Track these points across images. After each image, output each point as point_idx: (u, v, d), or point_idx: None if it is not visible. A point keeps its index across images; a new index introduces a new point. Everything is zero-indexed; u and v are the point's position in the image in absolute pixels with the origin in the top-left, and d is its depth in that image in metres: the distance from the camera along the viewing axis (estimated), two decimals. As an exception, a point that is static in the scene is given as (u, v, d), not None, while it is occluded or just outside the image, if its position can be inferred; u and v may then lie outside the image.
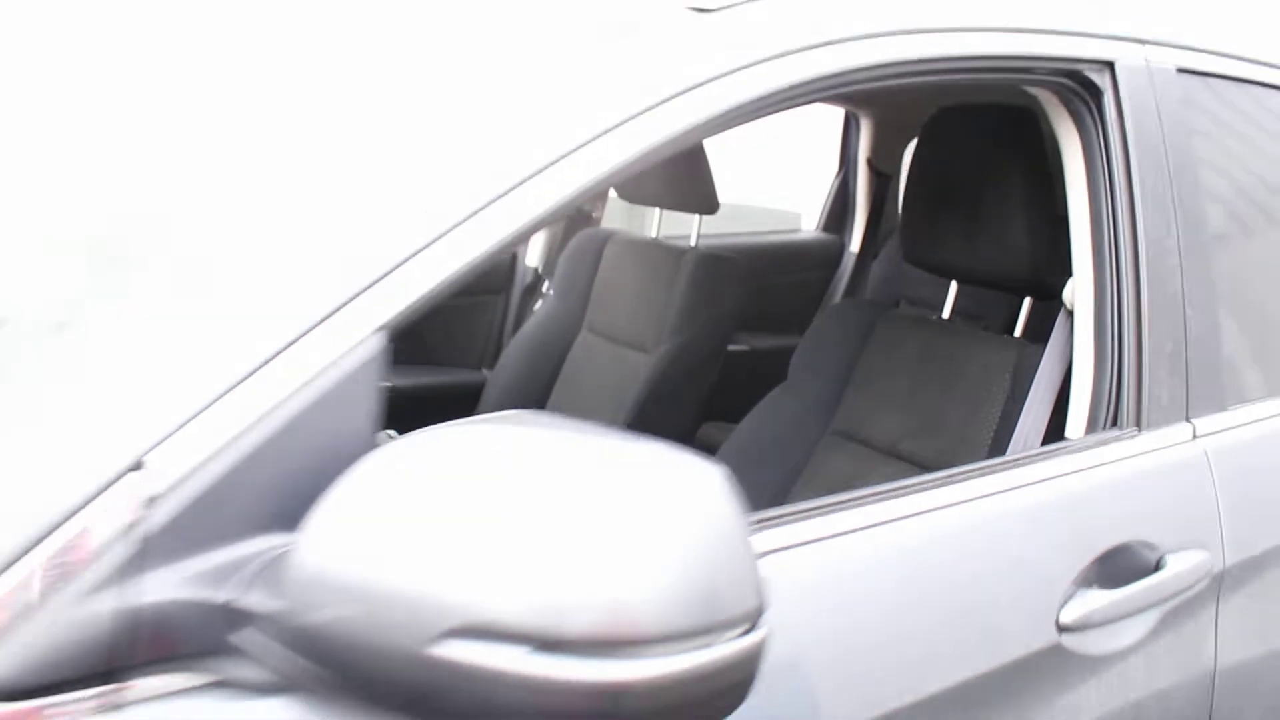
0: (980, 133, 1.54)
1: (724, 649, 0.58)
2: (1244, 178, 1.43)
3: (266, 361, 0.70)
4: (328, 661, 0.63)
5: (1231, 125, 1.41)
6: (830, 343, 1.74)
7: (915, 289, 2.51)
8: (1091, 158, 1.27)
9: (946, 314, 1.73)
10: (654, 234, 2.46)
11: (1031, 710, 1.04)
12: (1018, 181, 1.48)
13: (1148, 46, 1.28)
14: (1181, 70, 1.32)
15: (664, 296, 2.13)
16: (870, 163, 2.86)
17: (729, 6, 0.99)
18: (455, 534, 0.59)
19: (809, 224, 2.95)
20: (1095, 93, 1.25)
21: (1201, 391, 1.26)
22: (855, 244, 2.88)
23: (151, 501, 0.66)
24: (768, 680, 0.65)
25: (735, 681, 0.60)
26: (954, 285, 1.70)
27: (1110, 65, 1.25)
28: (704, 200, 2.26)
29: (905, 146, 2.63)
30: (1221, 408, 1.28)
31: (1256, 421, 1.31)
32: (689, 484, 0.59)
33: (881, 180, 2.86)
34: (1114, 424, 1.20)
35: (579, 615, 0.56)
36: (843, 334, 1.73)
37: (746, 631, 0.60)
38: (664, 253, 2.22)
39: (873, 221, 2.87)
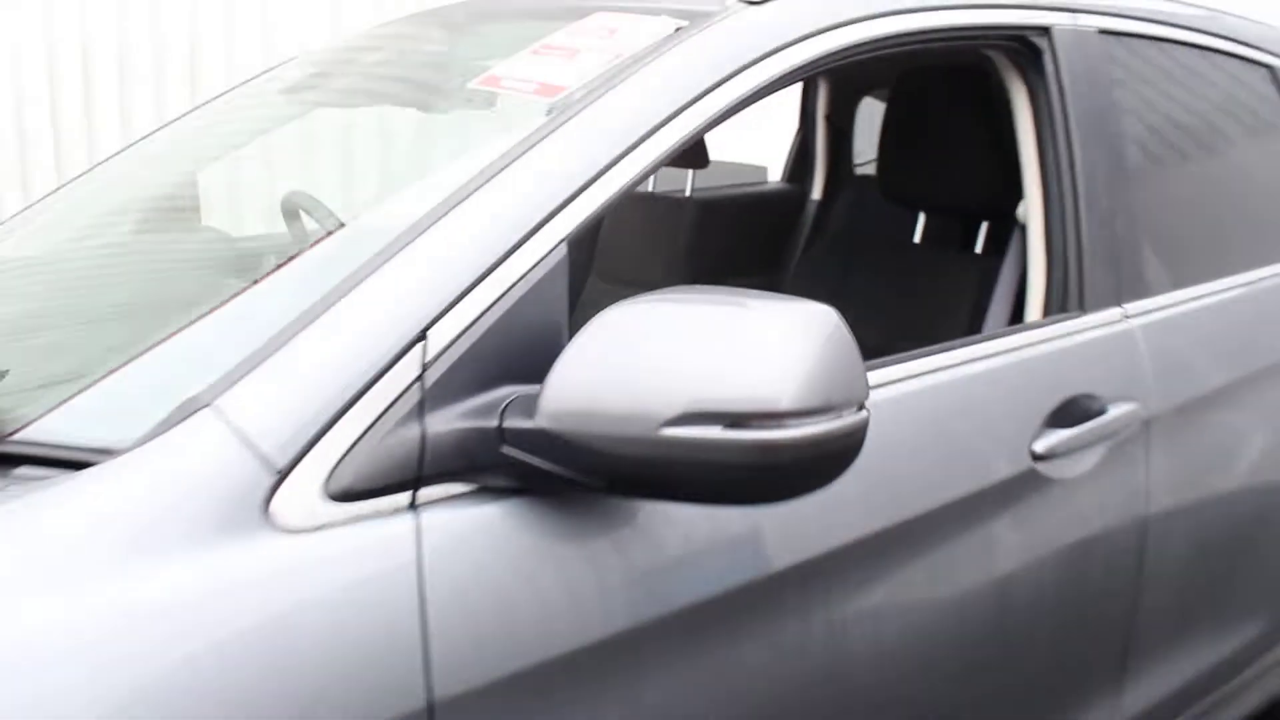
0: (943, 90, 1.89)
1: (843, 420, 0.92)
2: (1153, 116, 1.80)
3: (500, 262, 1.01)
4: (575, 460, 0.95)
5: (1142, 74, 1.78)
6: (820, 268, 2.08)
7: (875, 226, 2.87)
8: (1036, 104, 1.62)
9: (918, 240, 2.09)
10: (650, 188, 2.78)
11: (1017, 519, 1.40)
12: (975, 127, 1.84)
13: (1077, 14, 1.64)
14: (1103, 31, 1.67)
15: (669, 241, 2.45)
16: (829, 119, 3.17)
17: (765, 3, 1.31)
18: (667, 357, 0.91)
19: (774, 176, 3.28)
20: (1036, 53, 1.60)
21: (1129, 283, 1.63)
22: (817, 192, 3.21)
23: (431, 362, 0.98)
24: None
25: (850, 445, 0.93)
26: (922, 216, 2.05)
27: (1048, 30, 1.60)
28: (697, 157, 2.58)
29: (858, 103, 2.97)
30: (1144, 295, 1.65)
31: (1170, 305, 1.69)
32: (818, 317, 0.92)
33: (838, 134, 3.18)
34: (1062, 309, 1.56)
35: (751, 399, 0.89)
36: (826, 262, 2.07)
37: (857, 410, 0.93)
38: (665, 203, 2.54)
39: (832, 171, 3.20)
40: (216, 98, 2.12)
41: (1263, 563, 1.89)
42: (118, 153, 2.16)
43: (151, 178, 1.92)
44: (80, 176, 2.15)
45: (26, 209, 2.14)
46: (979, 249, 1.99)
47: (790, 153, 3.33)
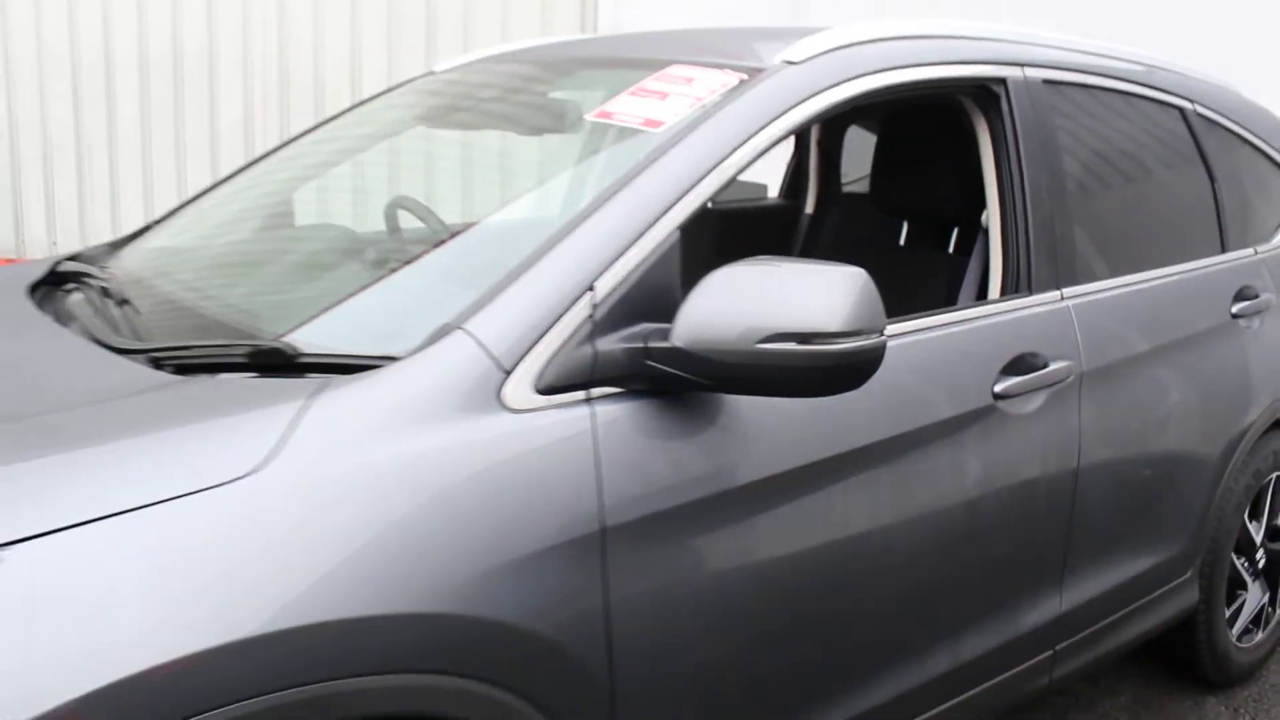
0: (925, 125, 2.43)
1: (870, 340, 1.43)
2: (1084, 147, 2.35)
3: (637, 239, 1.52)
4: (694, 367, 1.45)
5: (1074, 114, 2.33)
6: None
7: (863, 233, 3.41)
8: (995, 136, 2.16)
9: (903, 243, 2.62)
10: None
11: (982, 441, 1.92)
12: (949, 153, 2.38)
13: (1025, 68, 2.19)
14: (1046, 81, 2.22)
15: (693, 243, 2.95)
16: (820, 145, 3.73)
17: (805, 60, 1.84)
18: (759, 299, 1.42)
19: (773, 193, 3.83)
20: (995, 98, 2.14)
21: (1064, 273, 2.17)
22: (810, 207, 3.76)
23: (598, 304, 1.48)
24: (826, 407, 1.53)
25: (874, 358, 1.44)
26: (906, 224, 2.59)
27: (1004, 81, 2.14)
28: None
29: (844, 133, 3.52)
30: (1076, 282, 2.19)
31: (1096, 291, 2.23)
32: (854, 272, 1.44)
33: (828, 158, 3.73)
34: (1015, 291, 2.10)
35: (813, 324, 1.40)
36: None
37: (879, 335, 1.45)
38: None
39: (822, 189, 3.75)
40: (341, 115, 2.64)
41: (1170, 495, 2.44)
42: (246, 166, 2.66)
43: (293, 179, 2.43)
44: (219, 183, 2.65)
45: (170, 213, 2.63)
46: (951, 249, 2.52)
47: (786, 174, 3.88)
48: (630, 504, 1.45)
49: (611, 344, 1.48)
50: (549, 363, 1.44)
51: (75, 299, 1.92)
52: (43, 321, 1.78)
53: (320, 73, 6.68)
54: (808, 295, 1.42)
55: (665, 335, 1.47)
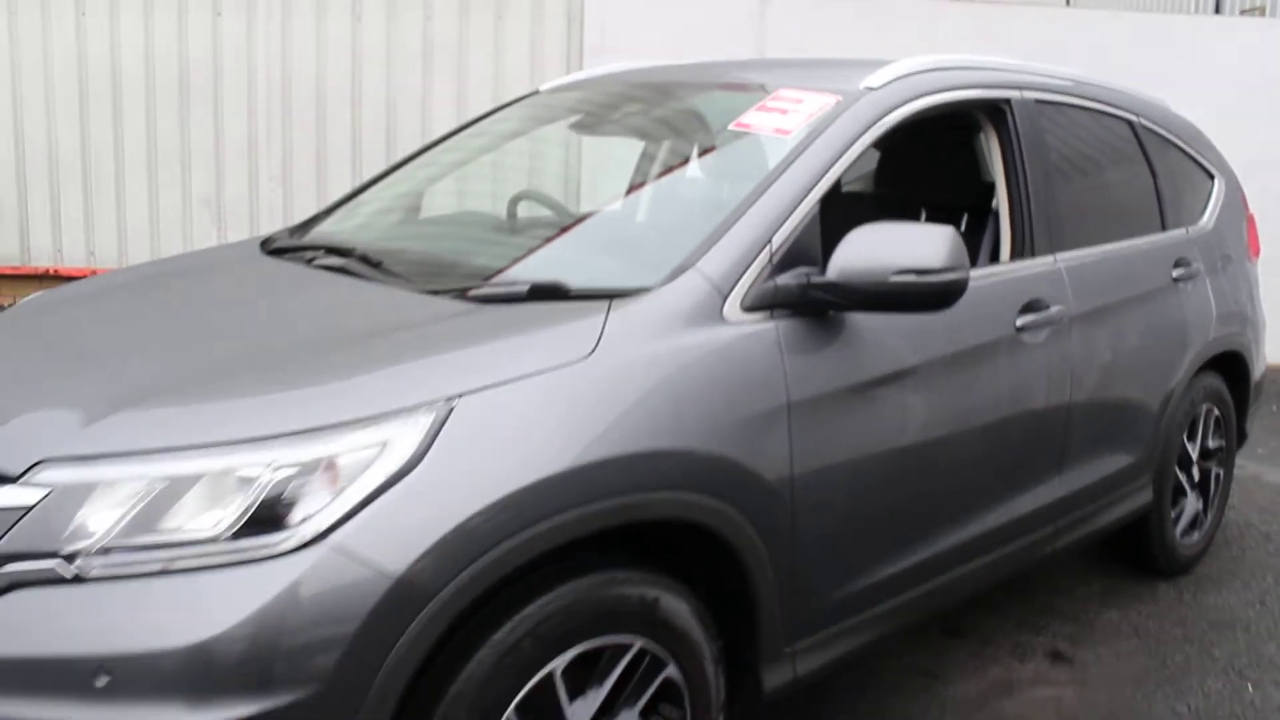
0: (946, 132, 3.23)
1: (959, 274, 2.19)
2: (1065, 149, 3.18)
3: (794, 209, 2.28)
4: (846, 295, 2.21)
5: (1057, 125, 3.16)
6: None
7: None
8: (1002, 140, 2.97)
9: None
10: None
11: (1010, 362, 2.72)
12: (964, 154, 3.20)
13: (1024, 90, 3.01)
14: (1038, 101, 3.05)
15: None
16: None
17: (882, 86, 2.62)
18: (889, 245, 2.19)
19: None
20: (1002, 114, 2.96)
21: (1056, 243, 2.99)
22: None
23: (774, 253, 2.23)
24: (913, 329, 2.34)
25: (961, 286, 2.19)
26: (924, 212, 3.38)
27: (1009, 100, 2.96)
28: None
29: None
30: (1064, 249, 3.01)
31: (1078, 257, 3.05)
32: (948, 229, 2.20)
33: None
34: (1021, 256, 2.91)
35: (926, 263, 2.17)
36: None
37: (964, 271, 2.22)
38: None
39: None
40: (474, 123, 3.35)
41: (1131, 414, 3.28)
42: (398, 164, 3.35)
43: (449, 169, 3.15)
44: (375, 180, 3.33)
45: (338, 204, 3.29)
46: (963, 230, 3.34)
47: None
48: (803, 386, 2.20)
49: (784, 280, 2.23)
50: (747, 292, 2.18)
51: (333, 262, 2.57)
52: (330, 277, 2.46)
53: (322, 89, 7.28)
54: (921, 244, 2.19)
55: (820, 273, 2.22)
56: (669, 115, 3.01)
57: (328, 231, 3.00)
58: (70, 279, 7.24)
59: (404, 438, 1.71)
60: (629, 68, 3.38)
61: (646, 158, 3.15)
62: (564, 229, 2.88)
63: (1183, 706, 2.98)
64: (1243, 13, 10.86)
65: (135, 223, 7.33)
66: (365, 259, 2.52)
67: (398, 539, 1.65)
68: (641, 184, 3.06)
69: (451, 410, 1.75)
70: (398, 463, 1.69)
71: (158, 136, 7.26)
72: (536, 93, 3.44)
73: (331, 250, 2.67)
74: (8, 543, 1.69)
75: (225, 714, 1.57)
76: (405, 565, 1.64)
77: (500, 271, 2.44)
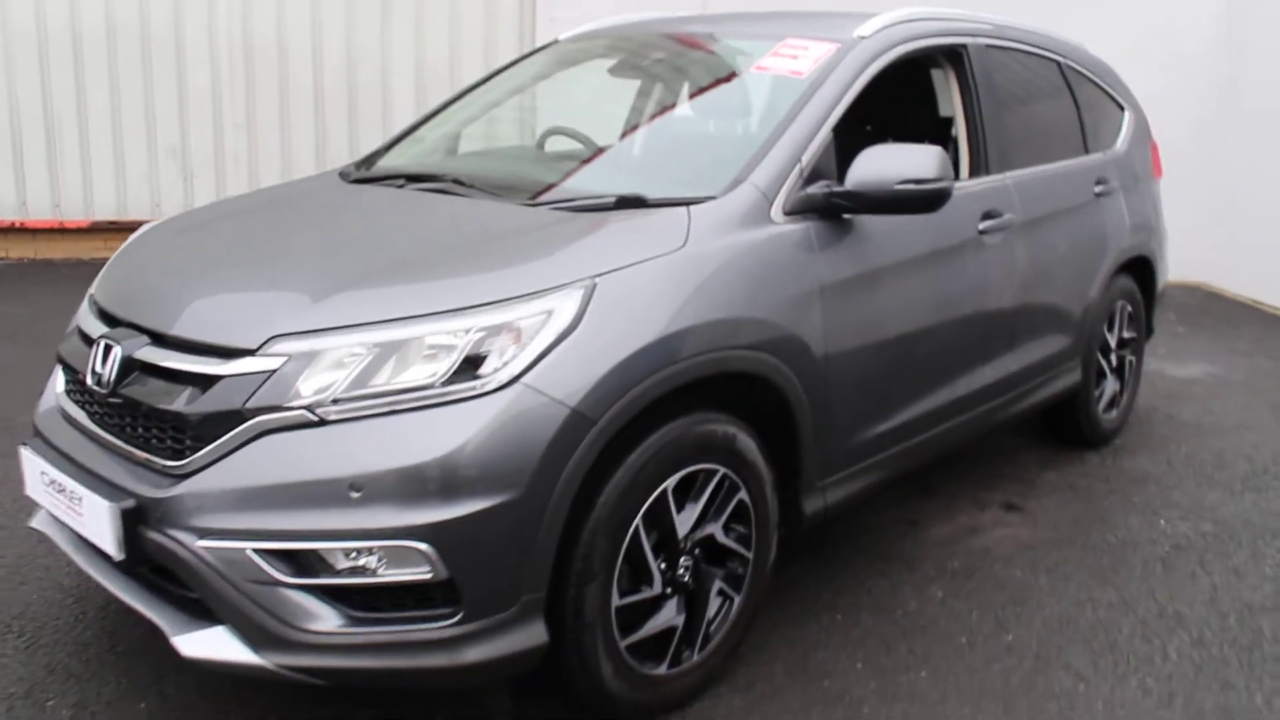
0: (915, 72, 3.87)
1: (947, 182, 2.82)
2: (1010, 85, 3.87)
3: (815, 133, 2.90)
4: (860, 201, 2.85)
5: (1003, 66, 3.84)
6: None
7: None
8: (961, 78, 3.64)
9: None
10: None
11: (976, 259, 3.41)
12: (928, 92, 3.85)
13: (977, 38, 3.68)
14: (988, 46, 3.72)
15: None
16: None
17: (871, 35, 3.24)
18: (892, 160, 2.82)
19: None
20: (960, 56, 3.62)
21: (1005, 162, 3.68)
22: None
23: (803, 169, 2.86)
24: (908, 229, 3.01)
25: (948, 191, 2.82)
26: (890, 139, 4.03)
27: (966, 46, 3.63)
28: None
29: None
30: (1011, 169, 3.70)
31: (1021, 175, 3.75)
32: (936, 149, 2.84)
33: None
34: (977, 174, 3.59)
35: (921, 174, 2.80)
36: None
37: (950, 181, 2.86)
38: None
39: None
40: (502, 70, 3.88)
41: (1064, 304, 4.02)
42: (445, 104, 3.87)
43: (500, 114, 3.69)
44: (425, 119, 3.83)
45: (399, 138, 3.79)
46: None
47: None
48: (830, 272, 2.84)
49: (812, 190, 2.85)
50: (786, 199, 2.80)
51: (430, 185, 3.10)
52: (434, 196, 3.00)
53: (284, 39, 7.62)
54: (918, 159, 2.83)
55: (840, 183, 2.85)
56: (693, 60, 3.59)
57: (395, 164, 3.51)
58: (36, 231, 7.53)
59: (564, 307, 2.29)
60: (640, 18, 3.94)
61: (670, 95, 3.74)
62: (614, 155, 3.46)
63: (1111, 536, 3.75)
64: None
65: (100, 174, 7.60)
66: (458, 181, 3.07)
67: (569, 380, 2.24)
68: (675, 116, 3.65)
69: (595, 286, 2.34)
70: (562, 325, 2.27)
71: (120, 89, 7.52)
72: (556, 41, 3.98)
73: (412, 177, 3.21)
74: (255, 400, 2.23)
75: (452, 512, 2.14)
76: (577, 399, 2.23)
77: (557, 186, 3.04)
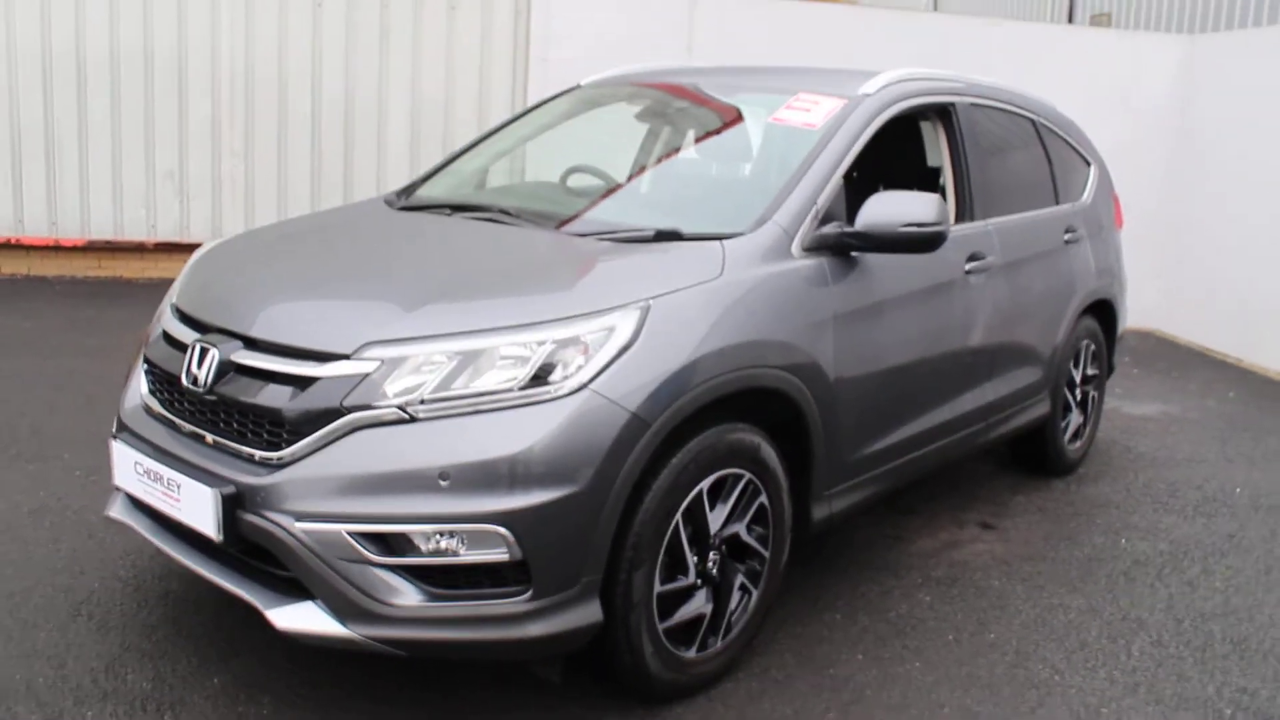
0: (906, 128, 4.31)
1: (943, 227, 3.23)
2: (990, 140, 4.31)
3: (826, 183, 3.30)
4: (868, 241, 3.24)
5: (986, 122, 4.29)
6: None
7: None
8: (949, 135, 4.07)
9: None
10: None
11: (963, 296, 3.82)
12: (919, 146, 4.29)
13: (964, 97, 4.12)
14: (973, 104, 4.17)
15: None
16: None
17: (875, 93, 3.67)
18: (897, 206, 3.22)
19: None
20: (948, 114, 4.07)
21: (987, 210, 4.11)
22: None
23: (818, 211, 3.25)
24: (906, 268, 3.43)
25: (944, 234, 3.24)
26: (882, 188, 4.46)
27: (953, 104, 4.07)
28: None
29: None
30: (992, 216, 4.14)
31: (1001, 222, 4.19)
32: (936, 198, 3.25)
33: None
34: (962, 220, 4.02)
35: (922, 219, 3.20)
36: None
37: (946, 225, 3.27)
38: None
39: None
40: (532, 109, 4.25)
41: (1037, 341, 4.45)
42: (475, 142, 4.23)
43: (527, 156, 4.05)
44: (457, 156, 4.19)
45: (433, 172, 4.14)
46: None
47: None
48: (840, 303, 3.23)
49: (826, 230, 3.25)
50: (804, 237, 3.19)
51: (478, 214, 3.45)
52: (484, 224, 3.35)
53: (284, 71, 7.94)
54: (919, 205, 3.23)
55: (850, 225, 3.25)
56: (712, 109, 3.99)
57: (436, 195, 3.86)
58: (31, 248, 7.74)
59: (624, 325, 2.65)
60: (656, 67, 4.35)
61: (692, 140, 4.13)
62: (643, 192, 3.85)
63: (1078, 552, 4.16)
64: (1092, 19, 12.53)
65: (98, 194, 7.84)
66: (504, 211, 3.43)
67: (630, 388, 2.59)
68: (698, 159, 4.04)
69: (649, 307, 2.70)
70: (623, 340, 2.63)
71: (122, 114, 7.78)
72: (579, 86, 4.37)
73: (457, 207, 3.57)
74: (350, 399, 2.56)
75: (529, 501, 2.48)
76: (636, 404, 2.59)
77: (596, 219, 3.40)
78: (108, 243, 7.86)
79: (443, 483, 2.47)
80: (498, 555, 2.50)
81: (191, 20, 7.77)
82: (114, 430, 3.08)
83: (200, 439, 2.79)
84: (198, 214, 7.97)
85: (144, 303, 7.33)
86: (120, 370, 5.65)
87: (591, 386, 2.56)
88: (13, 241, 7.75)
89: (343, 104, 8.04)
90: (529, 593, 2.53)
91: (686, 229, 3.14)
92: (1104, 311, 5.06)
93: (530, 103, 7.95)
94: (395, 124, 8.13)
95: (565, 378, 2.56)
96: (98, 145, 7.77)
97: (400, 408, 2.54)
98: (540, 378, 2.55)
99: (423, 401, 2.54)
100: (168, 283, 7.85)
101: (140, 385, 3.10)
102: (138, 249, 7.96)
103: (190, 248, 7.95)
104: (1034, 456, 4.92)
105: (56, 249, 7.84)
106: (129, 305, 7.24)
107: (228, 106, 7.90)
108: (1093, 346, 5.03)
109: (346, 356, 2.60)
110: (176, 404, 2.90)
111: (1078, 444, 5.05)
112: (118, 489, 3.04)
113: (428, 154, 8.12)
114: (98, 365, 5.78)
